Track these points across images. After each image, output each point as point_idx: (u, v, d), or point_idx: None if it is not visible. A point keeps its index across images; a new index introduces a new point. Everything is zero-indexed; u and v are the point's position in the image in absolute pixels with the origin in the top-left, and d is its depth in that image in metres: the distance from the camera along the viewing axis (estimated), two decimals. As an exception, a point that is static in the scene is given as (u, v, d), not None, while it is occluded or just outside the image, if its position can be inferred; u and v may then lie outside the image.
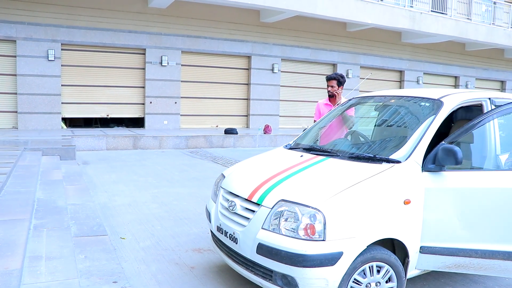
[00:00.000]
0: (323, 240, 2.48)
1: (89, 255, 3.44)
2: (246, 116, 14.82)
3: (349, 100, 4.19)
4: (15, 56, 11.24)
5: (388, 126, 3.66)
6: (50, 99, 11.64)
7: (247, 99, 14.71)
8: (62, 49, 11.72)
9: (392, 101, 3.76)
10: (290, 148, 3.69)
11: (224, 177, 3.39)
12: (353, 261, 2.54)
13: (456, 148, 2.69)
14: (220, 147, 11.72)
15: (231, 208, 2.96)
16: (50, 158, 8.01)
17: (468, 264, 2.88)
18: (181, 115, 13.54)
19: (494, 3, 18.25)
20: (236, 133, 12.27)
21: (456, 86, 19.42)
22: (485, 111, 3.22)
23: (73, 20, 11.67)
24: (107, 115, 12.79)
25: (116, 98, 12.72)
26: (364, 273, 2.64)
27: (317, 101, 5.32)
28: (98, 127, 13.40)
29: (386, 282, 2.72)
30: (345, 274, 2.54)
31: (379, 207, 2.63)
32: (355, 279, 2.61)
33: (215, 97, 14.17)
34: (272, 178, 2.94)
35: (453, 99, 3.17)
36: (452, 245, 2.84)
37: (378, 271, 2.68)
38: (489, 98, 3.27)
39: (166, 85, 13.11)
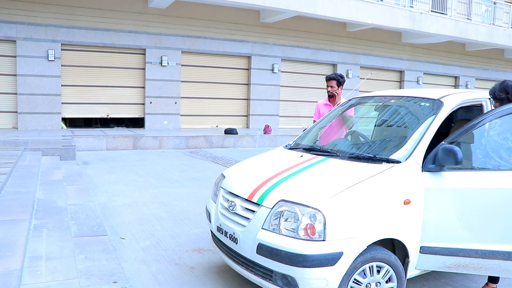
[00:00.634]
0: (323, 240, 2.48)
1: (89, 255, 3.44)
2: (246, 116, 14.82)
3: (349, 100, 4.19)
4: (15, 56, 11.25)
5: (388, 126, 3.66)
6: (50, 99, 11.64)
7: (247, 99, 14.71)
8: (62, 49, 11.72)
9: (392, 101, 3.76)
10: (290, 148, 3.69)
11: (224, 177, 3.39)
12: (353, 261, 2.54)
13: (456, 148, 2.69)
14: (220, 147, 11.73)
15: (231, 208, 2.96)
16: (50, 158, 8.01)
17: (468, 264, 2.87)
18: (181, 115, 13.55)
19: (494, 3, 18.26)
20: (236, 133, 12.27)
21: (456, 86, 19.42)
22: (485, 111, 3.22)
23: (73, 20, 11.68)
24: (107, 115, 12.79)
25: (116, 98, 12.72)
26: (364, 273, 2.64)
27: (316, 101, 5.31)
28: (98, 127, 13.40)
29: (386, 282, 2.72)
30: (345, 274, 2.54)
31: (379, 207, 2.63)
32: (355, 279, 2.61)
33: (215, 97, 14.17)
34: (272, 178, 2.94)
35: (453, 99, 3.18)
36: (452, 245, 2.84)
37: (378, 271, 2.68)
38: (489, 98, 3.29)
39: (166, 85, 13.11)
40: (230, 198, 3.04)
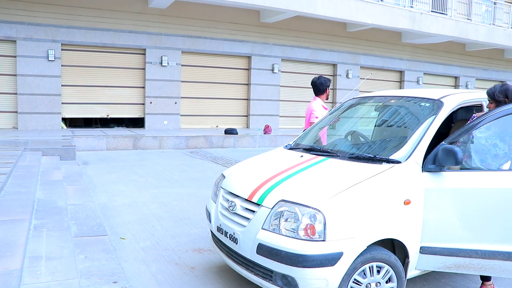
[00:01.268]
0: (323, 241, 2.48)
1: (89, 255, 3.44)
2: (246, 116, 14.82)
3: (349, 100, 4.19)
4: (15, 56, 11.24)
5: (388, 126, 3.66)
6: (50, 99, 11.64)
7: (247, 99, 14.71)
8: (62, 49, 11.72)
9: (392, 101, 3.77)
10: (290, 149, 3.69)
11: (224, 177, 3.39)
12: (353, 262, 2.54)
13: (456, 149, 2.70)
14: (220, 147, 11.72)
15: (231, 208, 2.96)
16: (50, 158, 8.01)
17: (468, 264, 2.87)
18: (181, 115, 13.54)
19: (494, 3, 18.26)
20: (236, 133, 12.27)
21: (456, 86, 19.42)
22: (485, 111, 3.22)
23: (73, 20, 11.67)
24: (107, 115, 12.79)
25: (116, 98, 12.72)
26: (364, 274, 2.64)
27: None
28: (98, 127, 13.40)
29: (386, 282, 2.72)
30: (345, 275, 2.54)
31: (379, 207, 2.63)
32: (355, 279, 2.61)
33: (215, 97, 14.17)
34: (272, 179, 2.94)
35: (453, 100, 3.18)
36: (452, 245, 2.84)
37: (378, 272, 2.68)
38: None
39: (166, 85, 13.11)
40: (230, 198, 3.04)
